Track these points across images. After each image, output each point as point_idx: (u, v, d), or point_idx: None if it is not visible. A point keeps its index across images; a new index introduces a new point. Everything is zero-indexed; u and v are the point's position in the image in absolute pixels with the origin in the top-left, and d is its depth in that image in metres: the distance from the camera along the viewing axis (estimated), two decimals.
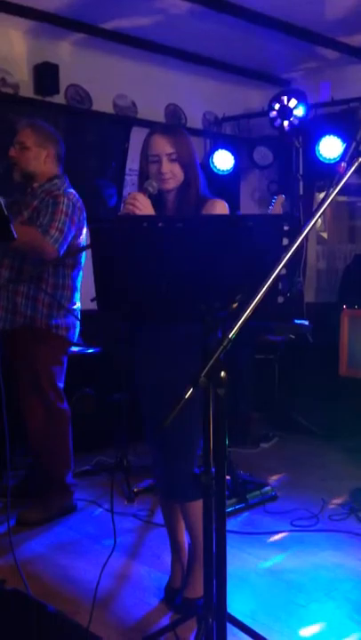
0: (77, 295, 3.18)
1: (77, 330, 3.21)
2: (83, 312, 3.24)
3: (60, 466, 3.19)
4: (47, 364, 3.11)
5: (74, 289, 3.15)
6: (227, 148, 5.18)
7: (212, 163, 5.14)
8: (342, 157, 1.52)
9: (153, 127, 2.35)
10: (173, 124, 4.64)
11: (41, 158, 3.09)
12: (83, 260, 3.16)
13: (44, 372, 3.10)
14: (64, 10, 4.06)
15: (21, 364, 3.07)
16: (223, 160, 5.18)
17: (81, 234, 3.11)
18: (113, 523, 2.17)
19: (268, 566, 2.72)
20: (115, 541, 2.35)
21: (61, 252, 2.96)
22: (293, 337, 4.37)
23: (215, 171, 5.13)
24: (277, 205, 3.96)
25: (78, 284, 3.18)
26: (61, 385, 3.19)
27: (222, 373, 1.33)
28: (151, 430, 2.34)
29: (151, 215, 2.14)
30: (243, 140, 5.33)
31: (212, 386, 1.37)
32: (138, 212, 2.14)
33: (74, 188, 3.13)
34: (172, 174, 2.22)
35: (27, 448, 3.26)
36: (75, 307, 3.18)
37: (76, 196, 3.10)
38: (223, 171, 5.18)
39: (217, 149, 5.18)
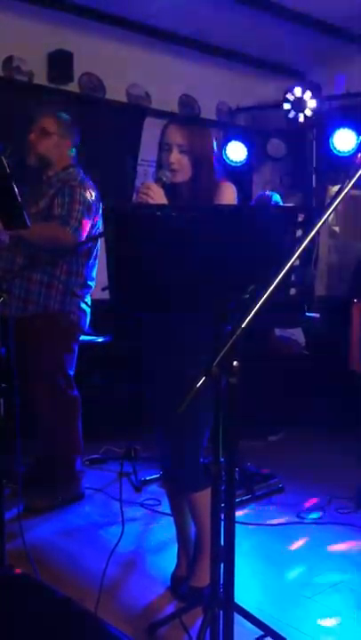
0: (91, 283, 3.19)
1: (88, 317, 3.22)
2: (93, 301, 3.24)
3: (70, 453, 3.21)
4: (58, 351, 3.13)
5: (87, 277, 3.16)
6: (240, 140, 5.16)
7: (225, 154, 5.12)
8: (358, 149, 1.51)
9: (173, 117, 2.35)
10: (194, 117, 4.58)
11: (61, 147, 3.12)
12: (97, 249, 3.17)
13: (54, 358, 3.12)
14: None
15: (32, 351, 3.09)
16: (236, 151, 5.16)
17: (96, 223, 3.12)
18: (122, 511, 2.19)
19: (274, 557, 2.72)
20: (122, 529, 2.37)
21: (80, 240, 2.98)
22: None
23: (228, 162, 5.11)
24: None
25: (93, 274, 3.19)
26: (72, 372, 3.20)
27: (235, 362, 1.33)
28: (159, 419, 2.35)
29: (164, 204, 2.14)
30: (256, 132, 5.30)
31: (225, 375, 1.37)
32: (151, 202, 2.14)
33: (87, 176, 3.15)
34: (180, 166, 2.21)
35: (36, 434, 3.27)
36: (87, 295, 3.19)
37: (93, 185, 3.11)
38: (236, 162, 5.16)
39: (230, 140, 5.16)
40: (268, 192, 4.41)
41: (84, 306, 3.16)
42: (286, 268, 1.42)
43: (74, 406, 3.21)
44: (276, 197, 4.29)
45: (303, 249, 1.45)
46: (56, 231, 2.94)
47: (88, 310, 3.20)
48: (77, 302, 3.12)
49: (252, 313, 1.34)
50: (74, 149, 3.18)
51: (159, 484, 3.43)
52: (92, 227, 3.09)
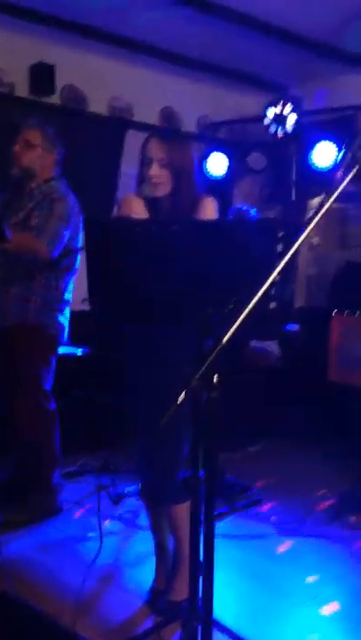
0: (69, 297, 3.18)
1: (66, 331, 3.20)
2: (73, 313, 3.23)
3: (47, 466, 3.18)
4: (35, 364, 3.11)
5: (65, 291, 3.14)
6: (221, 152, 5.20)
7: (206, 167, 5.16)
8: (339, 165, 1.53)
9: (154, 131, 2.37)
10: (175, 131, 4.60)
11: (45, 160, 3.12)
12: (77, 263, 3.16)
13: (31, 372, 3.09)
14: (61, 10, 4.06)
15: (9, 364, 3.07)
16: (217, 164, 5.19)
17: (77, 237, 3.11)
18: (99, 525, 2.17)
19: (252, 570, 2.72)
20: (100, 543, 2.36)
21: (55, 254, 2.97)
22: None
23: (209, 175, 5.14)
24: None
25: (71, 287, 3.18)
26: (49, 386, 3.18)
27: (215, 377, 1.33)
28: (141, 432, 2.34)
29: (145, 219, 2.15)
30: (237, 145, 5.34)
31: (205, 389, 1.37)
32: (133, 215, 2.14)
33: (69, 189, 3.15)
34: (160, 180, 2.22)
35: (12, 447, 3.24)
36: (65, 308, 3.18)
37: (73, 199, 3.11)
38: (217, 175, 5.20)
39: (211, 153, 5.19)
40: (244, 206, 4.43)
41: (62, 319, 3.15)
42: (267, 283, 1.44)
43: (51, 420, 3.18)
44: (253, 212, 4.33)
45: (284, 265, 1.47)
46: (31, 242, 2.94)
47: (66, 324, 3.19)
48: (55, 316, 3.11)
49: (234, 328, 1.35)
50: (59, 163, 3.18)
51: (137, 496, 3.41)
52: (72, 240, 3.08)
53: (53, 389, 3.22)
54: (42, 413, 3.14)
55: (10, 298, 3.03)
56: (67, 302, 3.18)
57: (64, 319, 3.16)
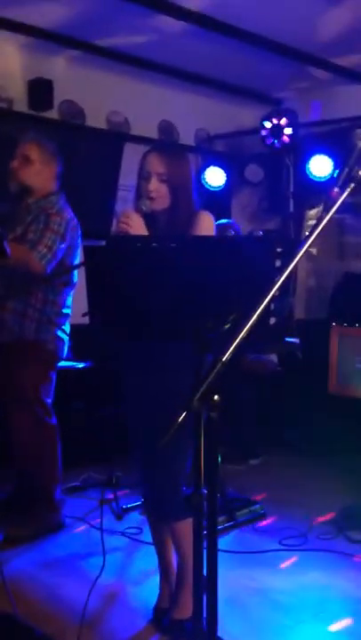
0: (68, 311, 3.18)
1: (66, 346, 3.20)
2: (73, 326, 3.23)
3: (49, 481, 3.17)
4: (35, 380, 3.10)
5: (63, 305, 3.14)
6: (218, 165, 5.23)
7: (204, 179, 5.18)
8: (335, 182, 1.53)
9: (153, 145, 2.37)
10: (174, 145, 4.63)
11: (43, 175, 3.11)
12: (76, 278, 3.16)
13: (31, 387, 3.09)
14: (59, 26, 4.09)
15: (9, 380, 3.06)
16: (215, 177, 5.22)
17: (74, 252, 3.11)
18: (102, 541, 2.16)
19: (256, 586, 2.70)
20: (104, 561, 2.34)
21: (48, 269, 2.96)
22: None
23: (207, 187, 5.16)
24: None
25: (69, 301, 3.17)
26: (49, 400, 3.17)
27: (215, 397, 1.33)
28: (140, 448, 2.33)
29: (144, 235, 2.15)
30: (234, 158, 5.37)
31: (205, 409, 1.37)
32: (131, 231, 2.15)
33: (69, 203, 3.15)
34: (158, 194, 2.22)
35: (14, 463, 3.23)
36: (64, 323, 3.17)
37: (71, 214, 3.11)
38: (215, 187, 5.22)
39: (209, 166, 5.22)
40: (227, 221, 4.41)
41: (61, 334, 3.14)
42: (267, 299, 1.43)
43: (52, 435, 3.17)
44: (235, 227, 4.34)
45: (283, 281, 1.46)
46: (26, 254, 2.92)
47: (66, 339, 3.18)
48: (54, 331, 3.11)
49: (234, 346, 1.35)
50: (57, 177, 3.18)
51: (140, 511, 3.39)
52: (68, 256, 3.08)
53: (55, 403, 3.21)
54: (42, 428, 3.13)
55: (7, 313, 3.03)
56: (66, 316, 3.17)
57: (63, 334, 3.16)
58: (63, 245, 3.01)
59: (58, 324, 3.12)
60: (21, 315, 3.03)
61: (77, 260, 3.13)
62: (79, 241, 3.13)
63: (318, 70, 4.80)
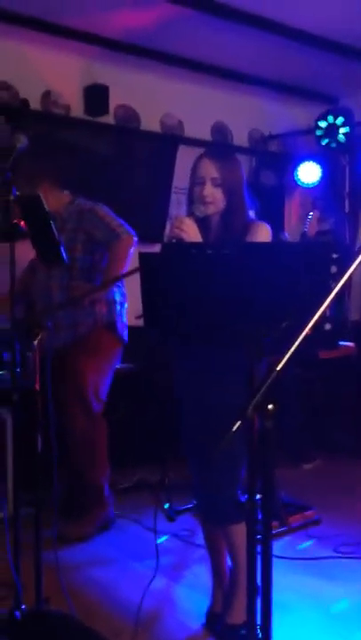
0: (124, 291, 3.29)
1: (127, 330, 3.29)
2: (130, 329, 3.30)
3: (100, 476, 3.23)
4: (96, 376, 3.18)
5: (119, 285, 3.26)
6: (272, 166, 5.18)
7: (259, 180, 5.15)
8: None
9: (205, 149, 2.38)
10: (226, 149, 4.60)
11: (54, 194, 3.10)
12: None
13: (92, 383, 3.17)
14: (116, 34, 4.15)
15: (69, 374, 3.11)
16: (269, 178, 5.19)
17: None
18: (155, 544, 2.17)
19: (310, 593, 2.67)
20: (157, 563, 2.36)
21: (134, 234, 3.11)
22: None
23: (261, 188, 5.13)
24: (313, 222, 3.98)
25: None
26: (104, 397, 3.24)
27: (270, 406, 1.32)
28: (192, 452, 2.34)
29: (199, 242, 2.16)
30: (288, 158, 5.31)
31: (260, 418, 1.36)
32: (185, 237, 2.16)
33: (124, 206, 3.26)
34: (213, 199, 2.22)
35: (66, 463, 3.29)
36: (124, 306, 3.27)
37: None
38: (269, 188, 5.18)
39: (263, 167, 5.18)
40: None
41: (124, 319, 3.25)
42: (323, 306, 1.42)
43: (103, 429, 3.25)
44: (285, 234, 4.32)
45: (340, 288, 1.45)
46: (120, 248, 3.06)
47: (127, 325, 3.28)
48: (120, 312, 3.21)
49: (288, 355, 1.34)
50: (58, 184, 3.20)
51: (193, 513, 3.40)
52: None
53: (108, 403, 3.28)
54: (96, 421, 3.21)
55: (78, 307, 3.12)
56: (123, 296, 3.28)
57: (125, 319, 3.26)
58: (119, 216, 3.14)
59: (121, 303, 3.23)
60: (90, 303, 3.12)
61: None
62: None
63: None
